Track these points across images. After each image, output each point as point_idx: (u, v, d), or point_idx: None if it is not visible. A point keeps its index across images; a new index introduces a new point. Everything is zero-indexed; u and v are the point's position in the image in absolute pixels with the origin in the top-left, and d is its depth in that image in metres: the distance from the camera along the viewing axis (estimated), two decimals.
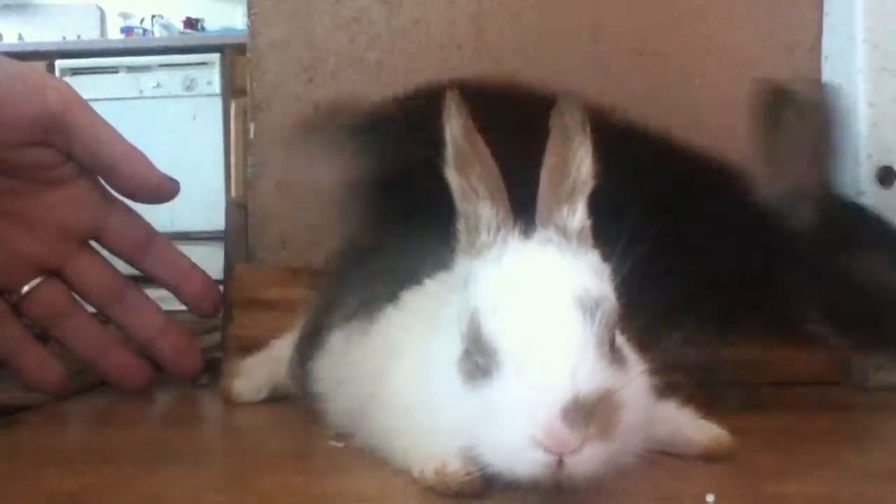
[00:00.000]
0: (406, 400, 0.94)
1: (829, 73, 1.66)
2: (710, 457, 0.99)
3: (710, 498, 0.84)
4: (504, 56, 1.74)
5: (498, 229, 0.91)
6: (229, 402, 1.40)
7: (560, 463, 0.76)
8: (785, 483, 0.92)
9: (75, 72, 6.39)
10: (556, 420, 0.76)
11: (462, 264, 0.93)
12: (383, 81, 1.75)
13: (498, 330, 0.82)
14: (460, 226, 0.93)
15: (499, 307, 0.83)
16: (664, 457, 0.98)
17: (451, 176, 0.93)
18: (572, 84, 1.01)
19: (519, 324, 0.82)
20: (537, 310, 0.82)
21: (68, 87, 1.41)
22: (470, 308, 0.86)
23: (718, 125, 1.63)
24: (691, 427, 1.02)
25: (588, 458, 0.77)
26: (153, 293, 1.55)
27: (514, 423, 0.77)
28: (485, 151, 0.93)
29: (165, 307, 1.56)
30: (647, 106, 1.47)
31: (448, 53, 1.75)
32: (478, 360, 0.83)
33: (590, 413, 0.77)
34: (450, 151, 0.93)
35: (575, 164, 0.94)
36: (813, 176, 1.33)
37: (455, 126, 0.93)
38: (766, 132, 1.33)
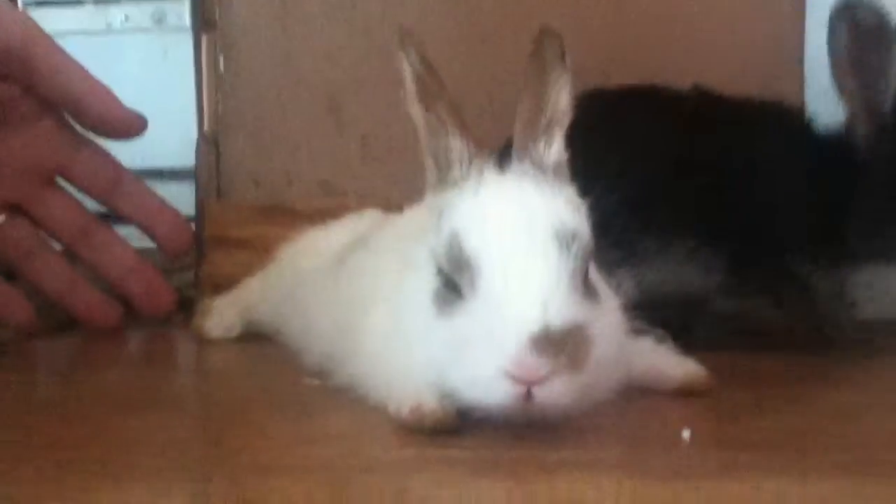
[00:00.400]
0: (381, 339, 0.93)
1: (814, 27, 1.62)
2: (686, 392, 0.99)
3: (685, 434, 0.85)
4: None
5: (470, 162, 0.90)
6: (201, 341, 1.39)
7: (528, 394, 0.76)
8: (759, 419, 0.92)
9: (39, 3, 6.19)
10: (524, 350, 0.75)
11: (432, 200, 0.91)
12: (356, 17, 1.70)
13: (479, 248, 0.81)
14: (428, 162, 0.91)
15: (478, 230, 0.82)
16: (639, 392, 0.98)
17: (417, 111, 0.90)
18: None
19: (496, 248, 0.81)
20: (513, 239, 0.81)
21: (30, 18, 1.36)
22: (447, 233, 0.84)
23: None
24: (668, 362, 1.02)
25: (557, 389, 0.77)
26: (135, 230, 1.53)
27: (483, 354, 0.77)
28: (444, 86, 0.91)
29: (141, 244, 1.54)
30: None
31: None
32: (456, 279, 0.82)
33: (559, 345, 0.76)
34: (413, 87, 0.90)
35: (552, 96, 0.92)
36: (883, 100, 1.30)
37: (415, 61, 0.90)
38: (832, 54, 1.31)
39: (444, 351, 0.81)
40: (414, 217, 1.05)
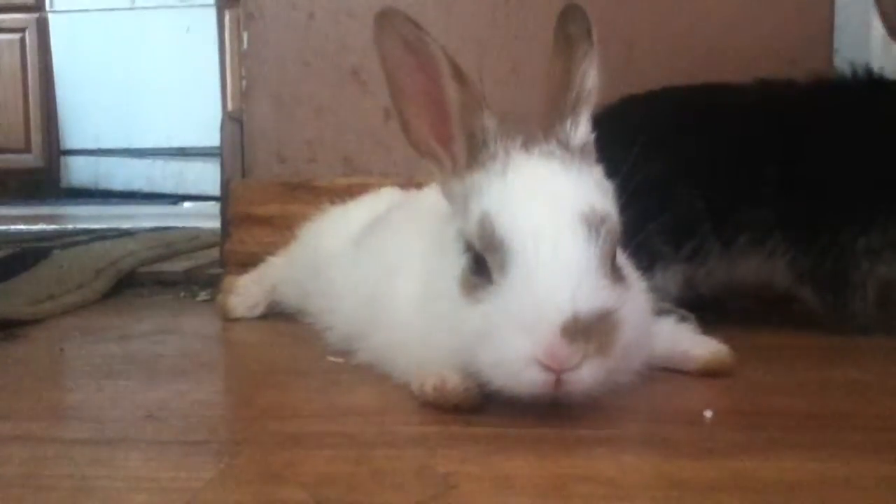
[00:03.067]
0: (405, 316, 0.94)
1: None
2: (709, 372, 0.99)
3: (707, 413, 0.85)
4: None
5: (502, 140, 0.90)
6: (226, 318, 1.41)
7: (558, 381, 0.77)
8: (779, 398, 0.93)
9: None
10: (555, 338, 0.76)
11: (457, 181, 0.91)
12: None
13: (510, 232, 0.81)
14: (459, 143, 0.91)
15: (509, 214, 0.82)
16: (664, 373, 0.99)
17: (454, 91, 0.89)
18: None
19: (527, 233, 0.81)
20: (544, 224, 0.81)
21: None
22: (478, 215, 0.84)
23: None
24: (691, 342, 1.02)
25: (586, 375, 0.77)
26: (162, 209, 1.53)
27: (514, 341, 0.78)
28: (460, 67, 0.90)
29: (167, 223, 1.55)
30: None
31: None
32: (487, 261, 0.82)
33: (589, 331, 0.77)
34: (447, 67, 0.89)
35: (579, 75, 0.91)
36: None
37: (440, 44, 0.89)
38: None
39: (472, 335, 0.81)
40: (434, 196, 1.05)
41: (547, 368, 0.76)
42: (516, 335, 0.77)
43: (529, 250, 0.80)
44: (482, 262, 0.83)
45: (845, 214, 1.26)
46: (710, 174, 1.29)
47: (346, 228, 1.27)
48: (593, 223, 0.82)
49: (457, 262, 0.86)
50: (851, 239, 1.26)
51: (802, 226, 1.28)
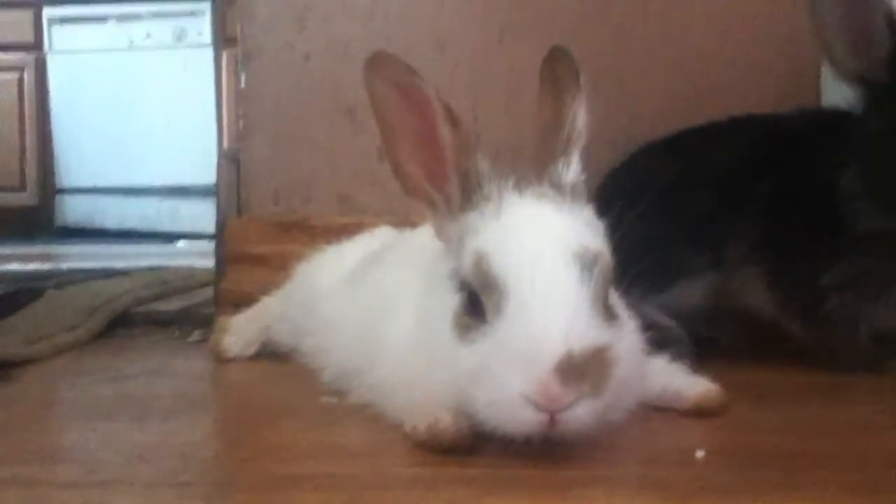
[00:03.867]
0: (399, 357, 0.94)
1: None
2: (701, 411, 0.99)
3: (699, 453, 0.85)
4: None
5: (495, 181, 0.91)
6: (219, 358, 1.41)
7: (552, 420, 0.77)
8: (771, 437, 0.93)
9: (64, 21, 6.27)
10: (549, 377, 0.76)
11: (451, 221, 0.92)
12: (375, 28, 1.73)
13: (505, 272, 0.82)
14: (454, 184, 0.92)
15: (504, 254, 0.83)
16: (655, 411, 0.99)
17: (447, 133, 0.91)
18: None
19: (523, 273, 0.81)
20: (539, 264, 0.82)
21: None
22: (473, 255, 0.85)
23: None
24: (682, 381, 1.02)
25: (580, 414, 0.78)
26: (157, 248, 1.54)
27: (507, 381, 0.78)
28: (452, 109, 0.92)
29: (163, 262, 1.55)
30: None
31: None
32: (483, 300, 0.82)
33: (583, 370, 0.77)
34: (441, 110, 0.90)
35: (569, 117, 0.93)
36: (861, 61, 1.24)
37: (433, 87, 0.91)
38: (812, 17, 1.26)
39: (466, 375, 0.82)
40: (427, 235, 1.06)
41: (540, 408, 0.76)
42: (509, 374, 0.78)
43: (524, 289, 0.80)
44: (476, 302, 0.84)
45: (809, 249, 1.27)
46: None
47: (341, 266, 1.27)
48: (587, 262, 0.82)
49: (450, 302, 0.87)
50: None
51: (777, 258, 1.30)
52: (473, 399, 0.81)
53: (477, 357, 0.81)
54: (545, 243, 0.84)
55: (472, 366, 0.81)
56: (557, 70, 0.94)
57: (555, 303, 0.80)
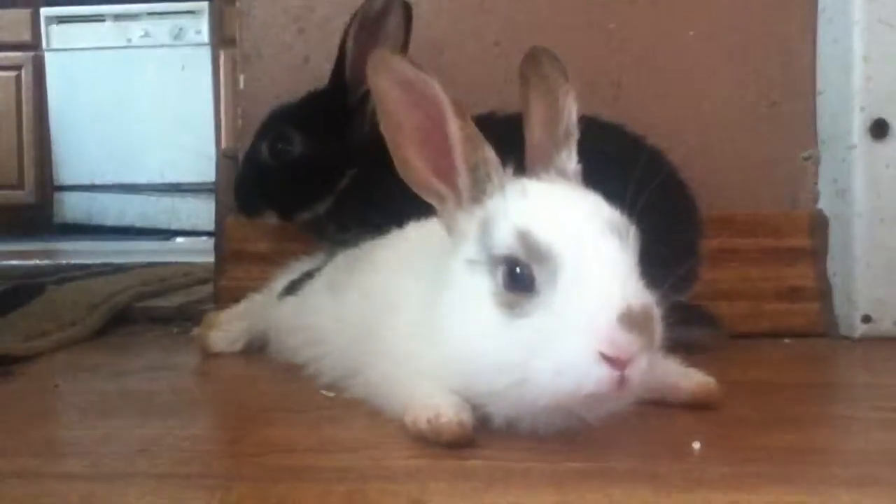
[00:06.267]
0: (400, 352, 0.95)
1: (825, 26, 1.64)
2: (697, 404, 1.01)
3: (695, 445, 0.86)
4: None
5: (505, 171, 0.93)
6: (206, 353, 1.42)
7: (622, 379, 0.79)
8: (766, 432, 0.94)
9: (61, 20, 6.27)
10: (617, 330, 0.79)
11: (464, 213, 0.93)
12: None
13: (555, 243, 0.83)
14: (464, 177, 0.93)
15: (548, 227, 0.85)
16: (652, 404, 1.00)
17: (457, 127, 0.92)
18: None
19: (572, 241, 0.83)
20: (583, 234, 0.84)
21: None
22: (512, 233, 0.85)
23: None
24: (678, 374, 1.03)
25: (643, 366, 0.80)
26: (155, 245, 1.54)
27: (574, 342, 0.79)
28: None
29: (161, 259, 1.56)
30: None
31: (439, 2, 1.73)
32: (534, 273, 0.83)
33: (640, 323, 0.80)
34: (450, 105, 0.91)
35: (565, 110, 0.97)
36: None
37: (439, 81, 0.92)
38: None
39: (523, 347, 0.82)
40: (419, 234, 1.08)
41: (612, 363, 0.78)
42: (579, 335, 0.79)
43: (577, 257, 0.83)
44: (519, 278, 0.84)
45: None
46: None
47: (329, 264, 1.28)
48: (622, 231, 0.86)
49: (477, 286, 0.87)
50: None
51: None
52: (535, 371, 0.81)
53: (535, 328, 0.82)
54: (584, 215, 0.87)
55: (531, 337, 0.82)
56: (544, 68, 0.99)
57: (607, 267, 0.83)
